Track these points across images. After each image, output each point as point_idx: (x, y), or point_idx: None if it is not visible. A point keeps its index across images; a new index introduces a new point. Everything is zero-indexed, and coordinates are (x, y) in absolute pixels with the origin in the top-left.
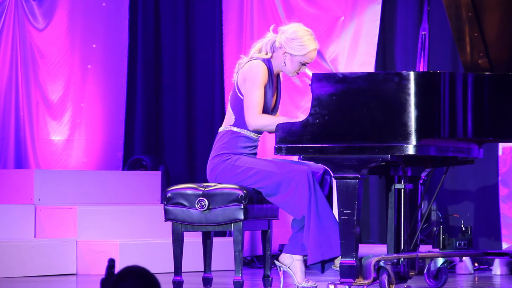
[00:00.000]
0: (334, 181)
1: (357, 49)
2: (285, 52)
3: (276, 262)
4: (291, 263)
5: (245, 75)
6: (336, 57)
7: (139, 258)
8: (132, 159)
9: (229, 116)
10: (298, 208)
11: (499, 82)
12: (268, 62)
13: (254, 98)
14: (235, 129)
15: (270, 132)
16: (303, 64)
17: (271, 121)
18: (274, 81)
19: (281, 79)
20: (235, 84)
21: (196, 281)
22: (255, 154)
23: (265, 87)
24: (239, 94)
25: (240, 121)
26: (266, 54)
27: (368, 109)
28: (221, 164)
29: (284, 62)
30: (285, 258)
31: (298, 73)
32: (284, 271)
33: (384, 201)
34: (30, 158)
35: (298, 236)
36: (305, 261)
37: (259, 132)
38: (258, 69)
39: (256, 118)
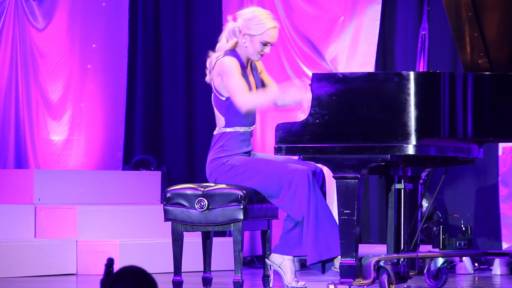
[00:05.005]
0: (334, 181)
1: (357, 49)
2: (244, 34)
3: (266, 260)
4: (281, 262)
5: (220, 74)
6: (336, 57)
7: (139, 258)
8: (136, 159)
9: (219, 119)
10: (299, 209)
11: (499, 82)
12: (235, 54)
13: (236, 84)
14: (228, 129)
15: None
16: (265, 44)
17: (260, 96)
18: (246, 69)
19: (256, 66)
20: (213, 87)
21: (196, 281)
22: (251, 150)
23: None
24: (219, 96)
25: (230, 120)
26: (235, 45)
27: (368, 109)
28: (220, 166)
29: (246, 45)
30: (275, 257)
31: (262, 55)
32: (274, 270)
33: (384, 201)
34: (30, 158)
35: (288, 236)
36: (304, 261)
37: (251, 123)
38: (230, 62)
39: (245, 99)
